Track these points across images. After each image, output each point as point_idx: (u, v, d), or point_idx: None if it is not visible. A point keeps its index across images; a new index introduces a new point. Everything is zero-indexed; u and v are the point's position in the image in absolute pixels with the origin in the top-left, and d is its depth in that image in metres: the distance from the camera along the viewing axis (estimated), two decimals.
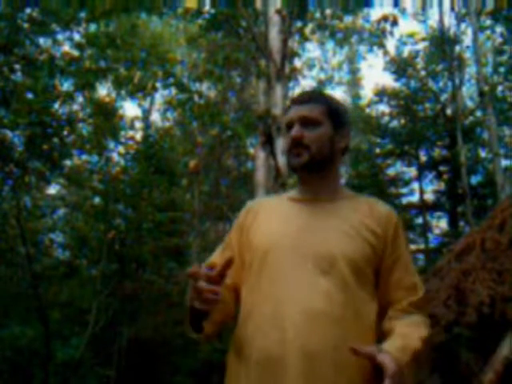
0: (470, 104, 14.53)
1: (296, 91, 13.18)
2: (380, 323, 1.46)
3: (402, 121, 13.92)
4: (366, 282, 1.44)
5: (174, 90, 10.06)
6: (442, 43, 11.87)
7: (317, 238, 1.44)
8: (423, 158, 13.69)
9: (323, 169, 1.54)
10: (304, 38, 9.83)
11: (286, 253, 1.43)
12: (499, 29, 11.68)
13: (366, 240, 1.45)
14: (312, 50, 15.17)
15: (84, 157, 9.79)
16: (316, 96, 1.60)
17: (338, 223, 1.48)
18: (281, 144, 6.63)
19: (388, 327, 1.44)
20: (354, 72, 19.88)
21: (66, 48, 7.65)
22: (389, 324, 1.44)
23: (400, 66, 13.48)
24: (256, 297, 1.42)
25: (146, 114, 14.08)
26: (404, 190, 14.48)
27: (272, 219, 1.54)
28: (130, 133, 10.57)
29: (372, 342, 1.39)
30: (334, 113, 1.56)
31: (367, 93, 30.38)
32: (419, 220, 13.73)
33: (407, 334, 1.38)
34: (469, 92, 14.86)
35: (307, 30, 9.67)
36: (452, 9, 11.39)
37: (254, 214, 1.59)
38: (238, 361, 1.40)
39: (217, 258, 1.57)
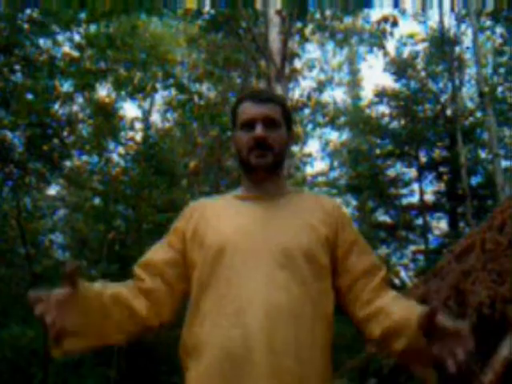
0: (469, 105, 14.53)
1: (296, 92, 13.19)
2: (350, 310, 1.47)
3: (402, 122, 13.91)
4: (322, 273, 1.44)
5: (173, 91, 10.07)
6: (442, 44, 11.87)
7: (271, 233, 1.43)
8: (423, 158, 13.69)
9: (279, 169, 1.57)
10: (304, 39, 9.84)
11: (241, 249, 1.40)
12: (499, 29, 11.69)
13: (319, 230, 1.47)
14: (312, 50, 15.20)
15: (84, 158, 9.81)
16: (274, 96, 1.62)
17: (289, 217, 1.48)
18: None
19: (374, 309, 1.41)
20: (354, 73, 19.87)
21: (66, 49, 7.67)
22: (373, 306, 1.42)
23: (400, 67, 13.49)
24: (211, 296, 1.38)
25: (146, 114, 14.07)
26: (404, 191, 14.49)
27: (222, 217, 1.51)
28: (130, 134, 10.60)
29: (330, 333, 1.42)
30: (287, 114, 1.59)
31: (367, 94, 30.39)
32: (419, 221, 13.73)
33: (409, 305, 1.37)
34: (469, 93, 14.87)
35: (307, 31, 9.67)
36: (452, 9, 11.41)
37: (200, 213, 1.54)
38: (197, 363, 1.35)
39: (155, 254, 1.52)
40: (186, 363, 1.40)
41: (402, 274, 14.29)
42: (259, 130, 1.48)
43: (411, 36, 13.32)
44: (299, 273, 1.39)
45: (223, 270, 1.39)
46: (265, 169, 1.51)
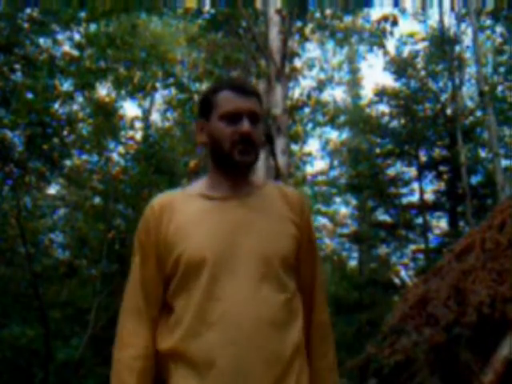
0: (469, 104, 14.52)
1: (296, 91, 13.18)
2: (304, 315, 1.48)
3: (402, 121, 13.90)
4: (292, 273, 1.45)
5: (173, 90, 10.07)
6: (442, 43, 11.87)
7: (249, 241, 1.39)
8: (423, 158, 13.68)
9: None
10: (304, 38, 9.83)
11: (221, 260, 1.35)
12: (499, 29, 11.69)
13: (291, 233, 1.46)
14: (312, 49, 15.13)
15: (84, 157, 9.80)
16: (255, 89, 1.55)
17: (263, 220, 1.44)
18: (281, 144, 6.63)
19: (315, 353, 1.50)
20: (354, 72, 19.85)
21: (66, 48, 7.66)
22: (314, 346, 1.51)
23: (400, 66, 13.47)
24: (191, 307, 1.34)
25: (146, 114, 14.06)
26: (404, 190, 14.48)
27: (195, 223, 1.41)
28: (130, 133, 10.59)
29: (302, 332, 1.43)
30: (261, 109, 1.51)
31: (367, 93, 30.32)
32: (419, 220, 13.71)
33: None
34: (469, 92, 14.86)
35: (307, 30, 9.67)
36: (452, 9, 11.40)
37: (168, 215, 1.43)
38: (186, 373, 1.33)
39: (144, 276, 1.44)
40: (170, 370, 1.37)
41: (402, 273, 14.31)
42: (246, 125, 1.40)
43: (411, 35, 13.30)
44: (278, 280, 1.39)
45: (203, 281, 1.34)
46: (248, 166, 1.45)
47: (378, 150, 14.50)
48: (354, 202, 18.12)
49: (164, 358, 1.39)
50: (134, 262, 1.48)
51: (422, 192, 13.55)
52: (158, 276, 1.43)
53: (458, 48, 12.38)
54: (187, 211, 1.44)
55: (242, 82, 1.65)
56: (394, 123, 14.21)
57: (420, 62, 13.64)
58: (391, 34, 9.06)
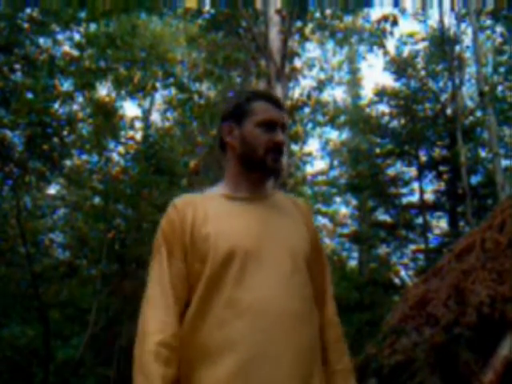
0: (470, 104, 14.52)
1: (296, 91, 13.17)
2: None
3: (402, 121, 13.89)
4: (309, 273, 1.51)
5: (173, 90, 10.07)
6: (441, 43, 11.86)
7: (277, 236, 1.45)
8: (423, 157, 13.67)
9: None
10: (304, 38, 9.84)
11: (251, 253, 1.39)
12: (499, 29, 11.69)
13: (307, 235, 1.53)
14: (312, 49, 15.12)
15: (84, 157, 9.80)
16: (284, 104, 1.70)
17: (284, 219, 1.52)
18: None
19: (331, 355, 1.53)
20: (354, 72, 19.84)
21: (66, 48, 7.66)
22: (331, 345, 1.55)
23: (400, 66, 13.47)
24: (222, 299, 1.35)
25: (146, 113, 14.07)
26: (404, 190, 14.47)
27: (223, 218, 1.46)
28: (130, 133, 10.58)
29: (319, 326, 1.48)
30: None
31: (367, 93, 30.35)
32: (419, 220, 13.70)
33: None
34: (469, 92, 14.86)
35: (307, 30, 9.67)
36: (452, 9, 11.40)
37: (191, 212, 1.47)
38: (216, 365, 1.32)
39: (172, 269, 1.44)
40: (198, 364, 1.35)
41: (402, 273, 14.30)
42: (280, 135, 1.52)
43: (411, 35, 13.29)
44: (304, 276, 1.45)
45: (234, 271, 1.37)
46: (278, 173, 1.55)
47: (378, 150, 14.49)
48: (354, 202, 18.12)
49: (186, 351, 1.38)
50: (157, 258, 1.47)
51: (422, 192, 13.54)
52: (185, 269, 1.43)
53: (458, 48, 12.37)
54: (212, 208, 1.49)
55: (274, 95, 1.76)
56: (394, 123, 14.20)
57: (420, 62, 13.64)
58: (391, 34, 9.07)
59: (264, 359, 1.30)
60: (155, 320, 1.37)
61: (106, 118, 8.84)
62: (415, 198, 14.14)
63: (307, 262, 1.47)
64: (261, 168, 1.52)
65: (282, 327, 1.33)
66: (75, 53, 7.40)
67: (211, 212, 1.47)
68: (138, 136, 10.92)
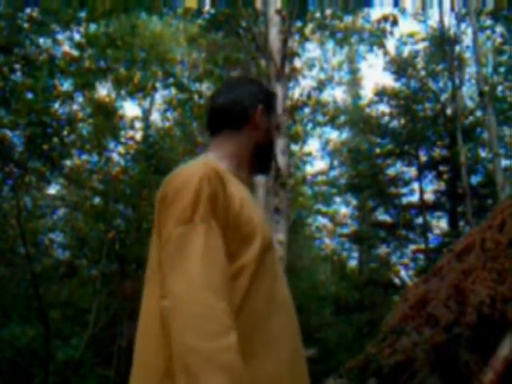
0: (469, 104, 14.53)
1: (296, 91, 13.17)
2: None
3: (402, 121, 13.91)
4: None
5: (173, 90, 10.08)
6: (441, 43, 11.87)
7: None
8: (423, 157, 13.69)
9: None
10: (304, 38, 9.84)
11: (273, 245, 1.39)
12: (499, 29, 11.69)
13: None
14: (312, 49, 15.13)
15: (84, 157, 9.81)
16: None
17: None
18: (281, 144, 6.63)
19: None
20: (354, 72, 19.85)
21: (66, 48, 7.66)
22: None
23: (400, 66, 13.48)
24: (265, 288, 1.25)
25: (146, 114, 14.07)
26: (404, 190, 14.49)
27: (246, 199, 1.32)
28: (130, 133, 10.60)
29: None
30: None
31: (367, 93, 30.37)
32: (419, 220, 13.72)
33: None
34: (469, 92, 14.86)
35: (307, 30, 9.67)
36: (452, 9, 11.40)
37: (224, 185, 1.26)
38: (270, 355, 1.21)
39: (219, 246, 1.20)
40: (253, 350, 1.19)
41: (402, 273, 14.32)
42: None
43: (411, 35, 13.31)
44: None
45: (271, 262, 1.30)
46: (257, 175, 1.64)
47: (378, 150, 14.51)
48: (354, 202, 18.13)
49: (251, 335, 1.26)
50: (205, 230, 1.18)
51: (421, 192, 13.55)
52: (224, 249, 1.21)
53: (458, 48, 12.38)
54: (235, 187, 1.32)
55: None
56: (394, 123, 14.22)
57: (420, 62, 13.66)
58: (391, 33, 9.07)
59: (298, 353, 1.32)
60: (223, 311, 1.11)
61: (106, 117, 8.85)
62: (415, 198, 14.16)
63: None
64: (263, 165, 1.56)
65: (296, 321, 1.37)
66: (75, 53, 7.40)
67: (241, 192, 1.32)
68: (138, 136, 10.93)
